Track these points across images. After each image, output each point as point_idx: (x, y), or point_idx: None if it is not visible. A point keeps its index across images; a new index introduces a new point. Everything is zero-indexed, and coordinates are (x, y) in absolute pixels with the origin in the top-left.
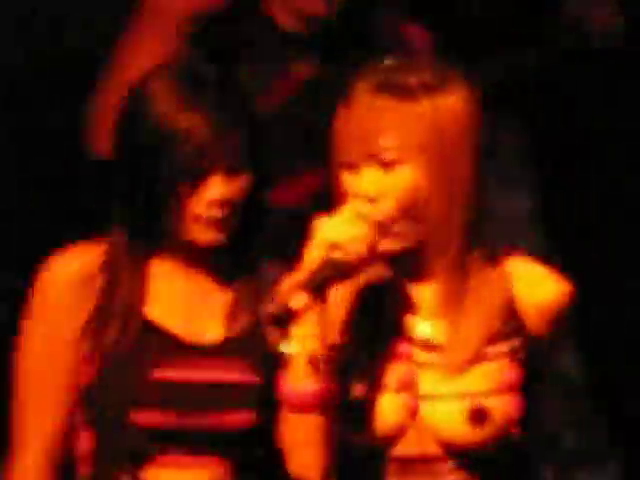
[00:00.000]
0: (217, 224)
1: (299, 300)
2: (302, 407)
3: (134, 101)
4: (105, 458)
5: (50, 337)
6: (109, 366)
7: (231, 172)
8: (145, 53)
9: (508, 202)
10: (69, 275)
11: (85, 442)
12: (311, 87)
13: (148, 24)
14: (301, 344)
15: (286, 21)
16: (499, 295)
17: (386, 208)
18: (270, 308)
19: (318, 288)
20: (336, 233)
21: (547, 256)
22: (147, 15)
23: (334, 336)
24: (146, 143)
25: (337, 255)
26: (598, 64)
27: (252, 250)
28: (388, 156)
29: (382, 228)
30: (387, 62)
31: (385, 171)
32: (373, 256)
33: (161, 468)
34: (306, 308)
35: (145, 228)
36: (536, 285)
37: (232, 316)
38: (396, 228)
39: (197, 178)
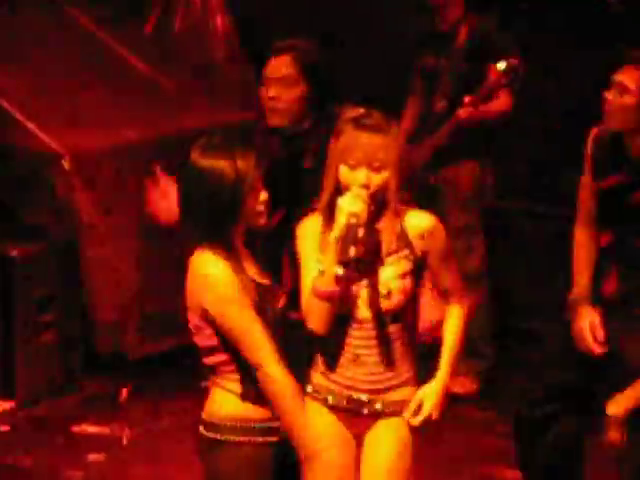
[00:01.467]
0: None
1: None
2: (325, 298)
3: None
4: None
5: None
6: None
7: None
8: None
9: None
10: (229, 272)
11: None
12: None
13: None
14: (334, 269)
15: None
16: (399, 228)
17: (373, 192)
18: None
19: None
20: (353, 207)
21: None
22: None
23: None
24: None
25: (353, 220)
26: None
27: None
28: (377, 164)
29: (370, 202)
30: (360, 109)
31: (373, 172)
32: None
33: None
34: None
35: (231, 232)
36: (417, 222)
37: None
38: (374, 199)
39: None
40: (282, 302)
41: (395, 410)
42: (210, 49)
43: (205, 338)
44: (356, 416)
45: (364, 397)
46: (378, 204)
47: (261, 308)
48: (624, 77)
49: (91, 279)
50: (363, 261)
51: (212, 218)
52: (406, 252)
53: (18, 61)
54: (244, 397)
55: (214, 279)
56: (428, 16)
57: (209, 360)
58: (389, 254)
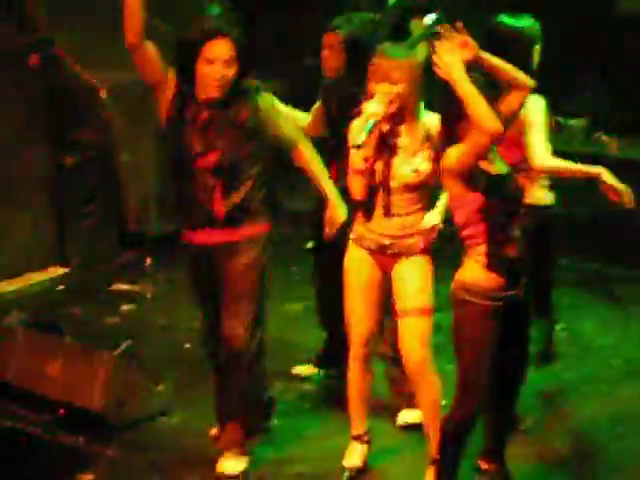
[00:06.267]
0: None
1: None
2: (354, 173)
3: None
4: None
5: None
6: None
7: None
8: None
9: None
10: None
11: None
12: None
13: None
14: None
15: None
16: (425, 127)
17: (392, 99)
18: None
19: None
20: (373, 108)
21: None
22: None
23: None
24: None
25: (373, 119)
26: None
27: None
28: (394, 80)
29: (392, 101)
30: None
31: (392, 84)
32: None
33: None
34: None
35: None
36: (432, 123)
37: None
38: (395, 101)
39: None
40: None
41: (408, 252)
42: None
43: None
44: (382, 255)
45: (387, 242)
46: (399, 110)
47: None
48: None
49: (122, 177)
50: (393, 148)
51: None
52: (428, 144)
53: None
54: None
55: None
56: None
57: None
58: (417, 147)
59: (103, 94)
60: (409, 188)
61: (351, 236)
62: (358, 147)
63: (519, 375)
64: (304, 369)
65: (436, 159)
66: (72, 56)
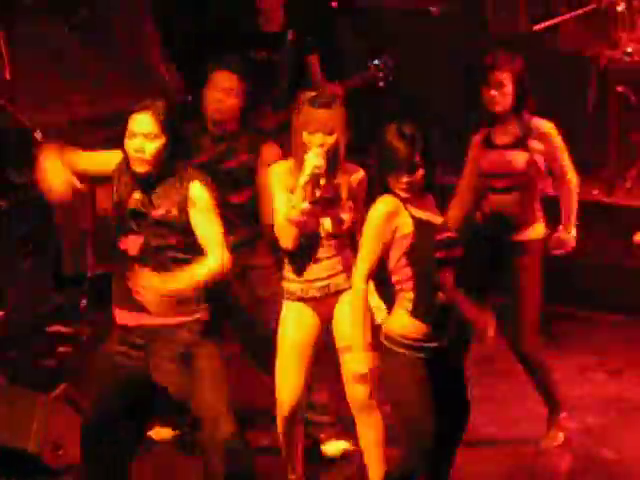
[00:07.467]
0: None
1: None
2: (296, 225)
3: None
4: None
5: None
6: None
7: None
8: None
9: None
10: None
11: None
12: None
13: None
14: (302, 205)
15: None
16: (347, 176)
17: (327, 150)
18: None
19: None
20: (316, 161)
21: None
22: None
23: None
24: None
25: (317, 171)
26: None
27: None
28: (328, 130)
29: (327, 152)
30: (311, 94)
31: (326, 135)
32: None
33: None
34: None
35: None
36: (354, 172)
37: None
38: (330, 151)
39: None
40: None
41: (344, 287)
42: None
43: None
44: (324, 299)
45: (325, 283)
46: (331, 160)
47: None
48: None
49: (58, 219)
50: (325, 200)
51: None
52: (349, 193)
53: None
54: None
55: None
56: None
57: None
58: (342, 196)
59: (38, 136)
60: (334, 236)
61: (285, 297)
62: (315, 203)
63: (455, 432)
64: (160, 432)
65: (355, 209)
66: (6, 97)
